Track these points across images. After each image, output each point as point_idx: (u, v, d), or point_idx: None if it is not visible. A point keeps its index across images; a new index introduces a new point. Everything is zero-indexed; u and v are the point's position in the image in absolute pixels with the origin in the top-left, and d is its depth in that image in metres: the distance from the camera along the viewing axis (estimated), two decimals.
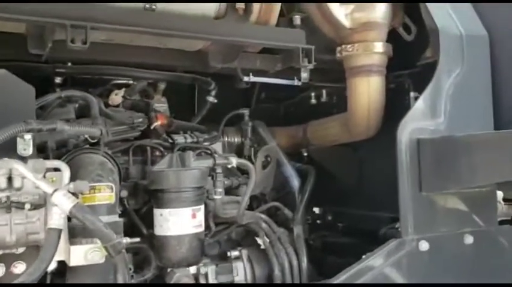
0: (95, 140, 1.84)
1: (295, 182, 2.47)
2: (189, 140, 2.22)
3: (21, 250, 1.57)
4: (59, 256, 1.52)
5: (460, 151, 1.93)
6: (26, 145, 1.56)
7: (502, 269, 2.20)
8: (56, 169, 1.55)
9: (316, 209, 3.29)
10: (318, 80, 2.69)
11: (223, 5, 2.09)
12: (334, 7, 2.29)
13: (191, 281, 1.99)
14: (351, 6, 2.30)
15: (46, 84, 2.19)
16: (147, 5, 1.88)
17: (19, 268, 1.55)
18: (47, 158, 1.80)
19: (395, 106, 2.39)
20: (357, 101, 2.35)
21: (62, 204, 1.42)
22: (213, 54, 2.31)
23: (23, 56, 2.07)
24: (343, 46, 2.33)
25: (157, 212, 1.89)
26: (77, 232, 1.61)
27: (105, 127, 1.97)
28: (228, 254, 2.19)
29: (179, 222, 1.85)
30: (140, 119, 2.02)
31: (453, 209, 2.11)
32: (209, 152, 2.21)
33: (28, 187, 1.49)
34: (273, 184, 2.56)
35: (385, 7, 2.31)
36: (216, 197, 2.04)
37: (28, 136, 1.56)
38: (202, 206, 1.93)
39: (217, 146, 2.36)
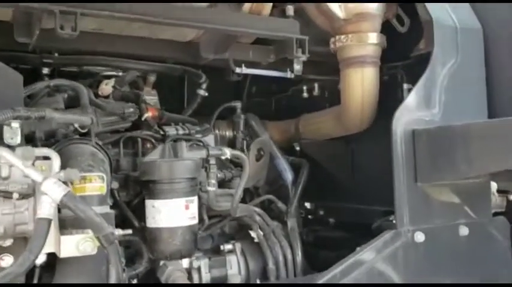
0: (85, 130, 1.79)
1: (288, 176, 2.44)
2: (181, 132, 2.17)
3: (8, 242, 1.51)
4: (48, 248, 1.47)
5: (456, 141, 1.92)
6: (13, 133, 1.50)
7: (496, 260, 2.19)
8: (46, 158, 1.50)
9: (307, 204, 3.29)
10: (311, 72, 2.66)
11: None
12: None
13: (184, 274, 1.94)
14: None
15: (33, 75, 2.13)
16: None
17: (6, 260, 1.49)
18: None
19: (388, 98, 2.37)
20: (351, 92, 2.33)
21: (52, 193, 1.37)
22: (204, 45, 2.27)
23: (10, 45, 2.01)
24: (337, 37, 2.31)
25: (149, 203, 1.84)
26: (67, 223, 1.55)
27: (96, 117, 1.93)
28: (222, 247, 2.15)
29: (172, 214, 1.81)
30: (131, 109, 1.97)
31: (448, 200, 2.09)
32: (201, 144, 2.17)
33: (16, 175, 1.44)
34: (266, 177, 2.53)
35: None
36: (209, 188, 2.00)
37: (15, 124, 1.50)
38: (195, 198, 1.89)
39: (210, 139, 2.31)
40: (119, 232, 1.66)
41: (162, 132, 2.14)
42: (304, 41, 2.19)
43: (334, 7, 2.28)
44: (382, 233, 2.01)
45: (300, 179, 2.41)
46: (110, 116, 1.98)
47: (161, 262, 1.96)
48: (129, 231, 1.74)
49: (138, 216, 1.94)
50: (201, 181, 2.04)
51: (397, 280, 1.95)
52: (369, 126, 2.43)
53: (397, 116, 2.06)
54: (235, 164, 2.31)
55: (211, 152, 1.98)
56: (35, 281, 1.58)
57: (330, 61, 2.46)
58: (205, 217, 2.07)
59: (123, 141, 2.06)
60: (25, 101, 1.81)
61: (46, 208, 1.38)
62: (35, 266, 1.56)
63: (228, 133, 2.52)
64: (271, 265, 2.09)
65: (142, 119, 2.12)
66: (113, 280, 1.41)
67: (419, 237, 2.02)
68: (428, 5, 2.19)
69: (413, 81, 2.18)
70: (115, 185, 1.92)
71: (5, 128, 1.50)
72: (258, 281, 1.90)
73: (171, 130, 2.16)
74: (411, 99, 2.11)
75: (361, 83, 2.30)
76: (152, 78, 2.43)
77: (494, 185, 2.30)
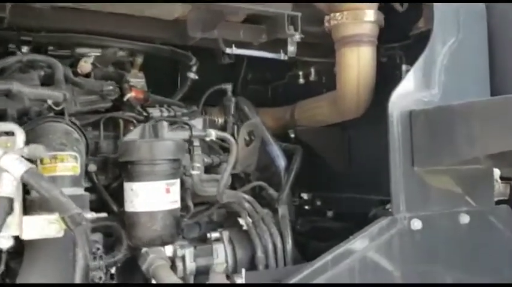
0: (59, 108, 1.68)
1: (281, 162, 2.33)
2: (166, 114, 2.07)
3: None
4: (13, 230, 1.37)
5: (455, 121, 1.79)
6: None
7: (497, 250, 2.07)
8: (9, 133, 1.39)
9: (304, 195, 3.18)
10: (306, 55, 2.55)
11: None
12: None
13: (167, 263, 1.83)
14: None
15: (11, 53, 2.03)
16: None
17: None
18: None
19: (386, 81, 2.24)
20: (346, 73, 2.21)
21: (12, 169, 1.26)
22: (191, 23, 2.15)
23: None
24: (332, 15, 2.19)
25: (127, 186, 1.73)
26: (35, 205, 1.45)
27: (73, 94, 1.83)
28: (208, 235, 2.04)
29: (151, 197, 1.70)
30: (110, 87, 1.87)
31: (448, 186, 1.97)
32: (187, 126, 2.06)
33: None
34: (257, 163, 2.42)
35: None
36: (193, 172, 1.89)
37: None
38: (177, 181, 1.78)
39: (198, 123, 2.20)
40: (92, 214, 1.55)
41: (145, 114, 2.03)
42: (297, 17, 2.08)
43: None
44: (377, 220, 1.90)
45: (293, 165, 2.29)
46: (88, 95, 1.87)
47: (143, 250, 1.86)
48: (104, 214, 1.63)
49: (117, 200, 1.84)
50: (185, 164, 1.93)
51: (392, 268, 1.83)
52: (365, 111, 2.31)
53: (394, 96, 1.93)
54: (225, 149, 2.20)
55: (195, 133, 1.86)
56: (2, 266, 1.47)
57: (325, 42, 2.34)
58: (190, 203, 1.96)
59: (104, 123, 1.96)
60: None
61: (7, 186, 1.28)
62: (0, 251, 1.45)
63: (219, 118, 2.40)
64: (259, 254, 1.98)
65: (124, 99, 2.01)
66: (79, 265, 1.30)
67: (416, 224, 1.89)
68: None
69: (412, 63, 2.05)
70: (93, 167, 1.81)
71: None
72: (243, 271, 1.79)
73: (155, 112, 2.06)
74: (409, 79, 1.99)
75: (357, 63, 2.18)
76: (139, 59, 2.33)
77: (497, 172, 2.18)
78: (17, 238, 1.41)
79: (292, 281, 1.71)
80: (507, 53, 2.13)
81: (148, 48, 2.27)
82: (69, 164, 1.56)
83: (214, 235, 2.05)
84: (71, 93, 1.86)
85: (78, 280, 1.30)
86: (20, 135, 1.37)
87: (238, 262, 1.99)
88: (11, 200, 1.28)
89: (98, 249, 1.73)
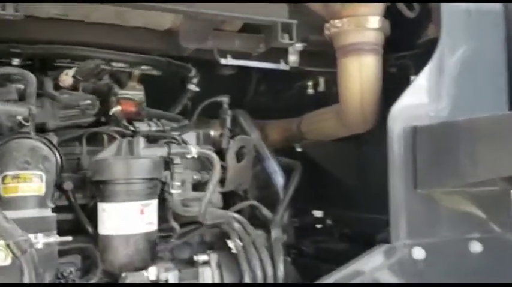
0: (28, 124, 1.60)
1: (279, 179, 2.18)
2: (154, 128, 1.96)
3: None
4: None
5: (460, 139, 1.60)
6: None
7: None
8: None
9: (316, 212, 3.01)
10: (310, 64, 2.39)
11: None
12: None
13: None
14: None
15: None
16: None
17: None
18: None
19: (397, 93, 2.06)
20: (348, 85, 2.05)
21: None
22: (184, 33, 2.05)
23: None
24: (332, 22, 2.03)
25: (100, 207, 1.64)
26: None
27: (52, 109, 1.76)
28: (195, 258, 1.91)
29: (123, 219, 1.60)
30: (87, 102, 1.78)
31: (457, 210, 1.77)
32: (176, 142, 1.95)
33: None
34: (256, 180, 2.28)
35: None
36: (173, 191, 1.77)
37: None
38: (153, 201, 1.66)
39: (190, 137, 2.09)
40: (56, 238, 1.46)
41: (132, 128, 1.93)
42: (291, 25, 1.93)
43: None
44: (373, 248, 1.72)
45: (291, 184, 2.13)
46: (68, 109, 1.79)
47: (123, 273, 1.75)
48: (69, 238, 1.53)
49: (95, 221, 1.74)
50: (168, 182, 1.81)
51: None
52: (374, 125, 2.13)
53: (395, 110, 1.77)
54: None
55: (174, 150, 1.74)
56: None
57: (330, 51, 2.18)
58: (174, 224, 1.84)
59: (88, 138, 1.87)
60: None
61: None
62: None
63: (214, 131, 2.28)
64: (247, 280, 1.83)
65: (110, 113, 1.92)
66: None
67: (419, 253, 1.71)
68: None
69: None
70: (69, 185, 1.72)
71: None
72: None
73: (142, 126, 1.96)
74: (412, 91, 1.81)
75: (358, 75, 2.01)
76: (136, 71, 2.24)
77: None
78: None
79: None
80: None
81: (142, 60, 2.18)
82: (33, 184, 1.48)
83: (202, 257, 1.92)
84: (51, 107, 1.80)
85: None
86: None
87: None
88: None
89: (70, 273, 1.64)
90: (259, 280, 1.85)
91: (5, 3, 1.55)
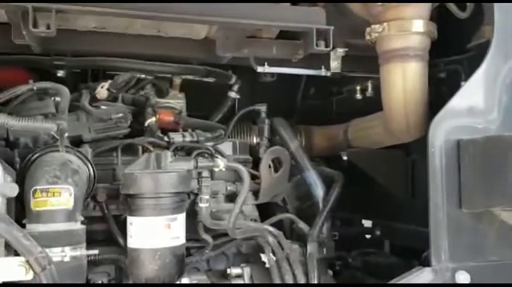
0: (63, 137, 1.63)
1: (319, 191, 2.10)
2: (188, 139, 1.95)
3: None
4: None
5: (507, 154, 1.44)
6: None
7: None
8: None
9: (365, 222, 2.89)
10: (355, 70, 2.29)
11: None
12: None
13: None
14: None
15: (47, 79, 2.06)
16: None
17: None
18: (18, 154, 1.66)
19: (447, 101, 1.92)
20: (391, 94, 1.93)
21: None
22: (220, 42, 2.02)
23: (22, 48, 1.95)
24: (373, 26, 1.91)
25: (128, 220, 1.64)
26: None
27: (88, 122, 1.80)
28: (228, 271, 1.88)
29: (149, 233, 1.59)
30: (120, 115, 1.79)
31: (505, 232, 1.61)
32: (209, 152, 1.93)
33: None
34: (297, 191, 2.21)
35: None
36: (201, 205, 1.75)
37: None
38: (180, 216, 1.64)
39: (226, 147, 2.05)
40: (82, 251, 1.48)
41: (166, 139, 1.93)
42: (328, 31, 1.84)
43: None
44: (412, 270, 1.61)
45: (330, 196, 2.04)
46: (102, 122, 1.82)
47: None
48: (95, 251, 1.55)
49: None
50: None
51: None
52: (421, 133, 1.99)
53: (436, 123, 1.63)
54: (254, 176, 2.04)
55: (201, 164, 1.72)
56: None
57: (374, 55, 2.07)
58: (205, 236, 1.82)
59: (124, 149, 1.89)
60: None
61: None
62: None
63: (252, 140, 2.23)
64: None
65: (145, 125, 1.94)
66: None
67: (463, 278, 1.57)
68: None
69: None
70: (102, 197, 1.75)
71: None
72: None
73: (177, 137, 1.95)
74: (458, 100, 1.67)
75: (401, 83, 1.88)
76: (178, 80, 2.25)
77: None
78: None
79: None
80: None
81: (181, 69, 2.18)
82: (61, 198, 1.50)
83: (235, 270, 1.88)
84: (86, 120, 1.84)
85: None
86: None
87: None
88: None
89: (101, 283, 1.66)
90: None
91: (38, 20, 1.58)
